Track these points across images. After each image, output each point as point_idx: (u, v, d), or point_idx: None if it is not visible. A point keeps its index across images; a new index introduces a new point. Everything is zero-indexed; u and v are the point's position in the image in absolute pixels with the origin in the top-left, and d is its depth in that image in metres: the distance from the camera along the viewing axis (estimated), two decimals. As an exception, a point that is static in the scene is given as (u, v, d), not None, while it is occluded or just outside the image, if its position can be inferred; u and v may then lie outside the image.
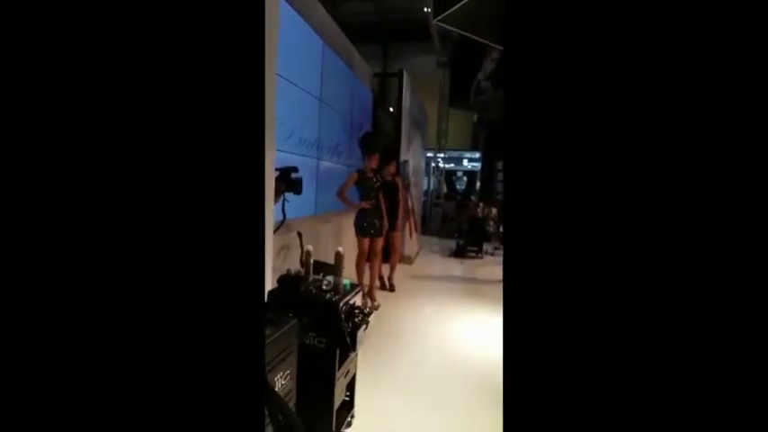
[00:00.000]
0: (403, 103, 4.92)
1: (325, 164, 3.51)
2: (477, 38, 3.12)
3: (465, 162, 10.75)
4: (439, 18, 2.67)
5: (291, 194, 1.77)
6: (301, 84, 2.91)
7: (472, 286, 4.27)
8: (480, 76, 5.53)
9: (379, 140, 3.37)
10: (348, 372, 1.53)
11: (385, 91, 6.09)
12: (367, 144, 3.25)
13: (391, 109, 5.42)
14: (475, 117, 10.00)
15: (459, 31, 3.11)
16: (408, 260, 4.95)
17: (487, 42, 3.33)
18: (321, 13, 3.29)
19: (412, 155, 5.54)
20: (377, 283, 3.50)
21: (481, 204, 7.24)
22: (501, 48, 3.45)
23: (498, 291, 4.15)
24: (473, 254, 5.93)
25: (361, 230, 3.17)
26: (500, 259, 5.02)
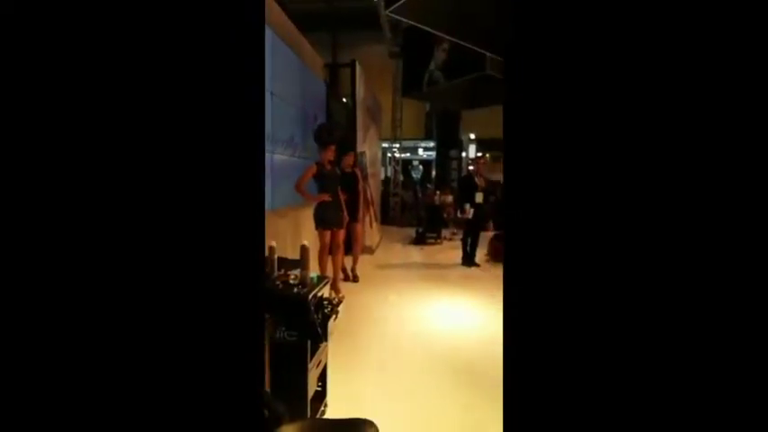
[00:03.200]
0: (357, 93, 4.89)
1: (280, 157, 3.42)
2: (428, 28, 3.18)
3: (420, 151, 10.95)
4: (391, 9, 2.68)
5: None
6: (251, 75, 2.79)
7: (433, 271, 4.42)
8: (432, 66, 5.64)
9: (334, 132, 3.34)
10: (320, 362, 1.55)
11: (337, 81, 6.01)
12: (322, 136, 3.21)
13: (345, 100, 5.37)
14: (427, 106, 10.18)
15: (411, 22, 3.15)
16: (370, 250, 5.00)
17: (438, 33, 3.41)
18: (268, 1, 3.17)
19: (368, 145, 5.55)
20: (340, 275, 3.51)
21: (438, 192, 7.45)
22: (452, 38, 3.54)
23: (458, 273, 4.34)
24: (432, 240, 6.12)
25: (321, 223, 3.15)
26: (458, 244, 5.23)
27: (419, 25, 3.10)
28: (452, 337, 2.56)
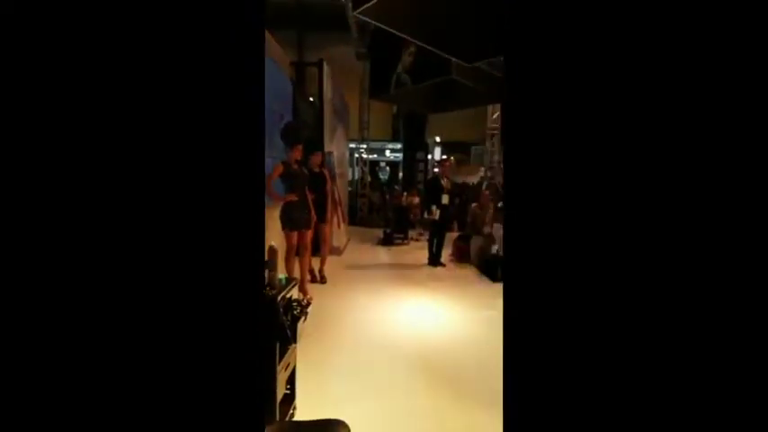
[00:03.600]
0: (324, 93, 4.85)
1: (246, 156, 3.32)
2: (395, 31, 3.22)
3: (387, 153, 11.03)
4: (359, 11, 2.69)
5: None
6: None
7: (401, 271, 4.47)
8: (399, 68, 5.71)
9: (301, 131, 3.30)
10: (288, 365, 1.53)
11: (303, 80, 5.91)
12: (289, 135, 3.16)
13: (312, 99, 5.30)
14: (394, 109, 10.27)
15: (378, 24, 3.18)
16: (338, 251, 4.97)
17: (405, 36, 3.46)
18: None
19: (336, 146, 5.52)
20: (307, 276, 3.46)
21: (405, 193, 7.54)
22: (418, 42, 3.61)
23: (425, 273, 4.42)
24: (399, 241, 6.18)
25: (288, 224, 3.10)
26: (424, 244, 5.32)
27: (386, 28, 3.13)
28: (421, 336, 2.60)
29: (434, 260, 4.67)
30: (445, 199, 4.59)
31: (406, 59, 5.52)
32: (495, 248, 4.30)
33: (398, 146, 10.70)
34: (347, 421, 1.01)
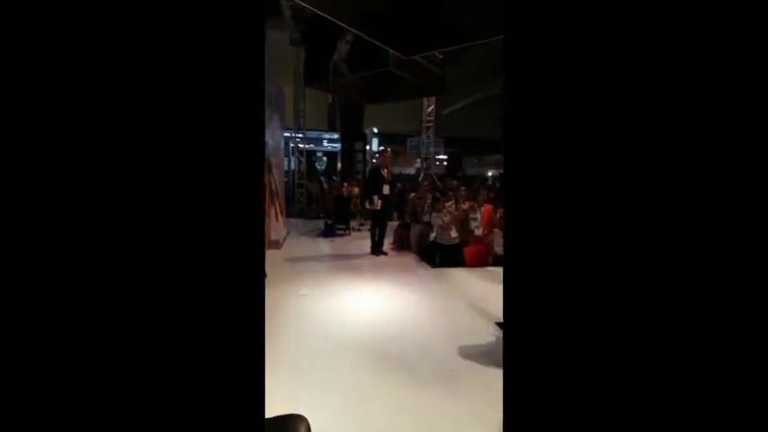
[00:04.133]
0: (257, 79, 4.59)
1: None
2: (331, 18, 3.15)
3: (325, 143, 10.84)
4: (294, -7, 2.57)
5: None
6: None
7: (344, 262, 4.47)
8: (336, 57, 5.59)
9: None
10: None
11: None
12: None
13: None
14: (330, 98, 10.09)
15: (314, 9, 3.08)
16: (277, 245, 4.80)
17: (342, 24, 3.40)
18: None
19: (270, 134, 5.27)
20: (246, 272, 3.31)
21: (345, 184, 7.50)
22: (354, 31, 3.57)
23: (369, 262, 4.47)
24: (341, 231, 6.16)
25: (223, 218, 2.92)
26: (366, 234, 5.37)
27: (320, 12, 3.04)
28: (367, 322, 2.64)
29: (377, 249, 4.75)
30: (386, 189, 4.67)
31: (343, 47, 5.42)
32: (432, 236, 4.50)
33: (335, 136, 10.57)
34: (304, 414, 1.01)
